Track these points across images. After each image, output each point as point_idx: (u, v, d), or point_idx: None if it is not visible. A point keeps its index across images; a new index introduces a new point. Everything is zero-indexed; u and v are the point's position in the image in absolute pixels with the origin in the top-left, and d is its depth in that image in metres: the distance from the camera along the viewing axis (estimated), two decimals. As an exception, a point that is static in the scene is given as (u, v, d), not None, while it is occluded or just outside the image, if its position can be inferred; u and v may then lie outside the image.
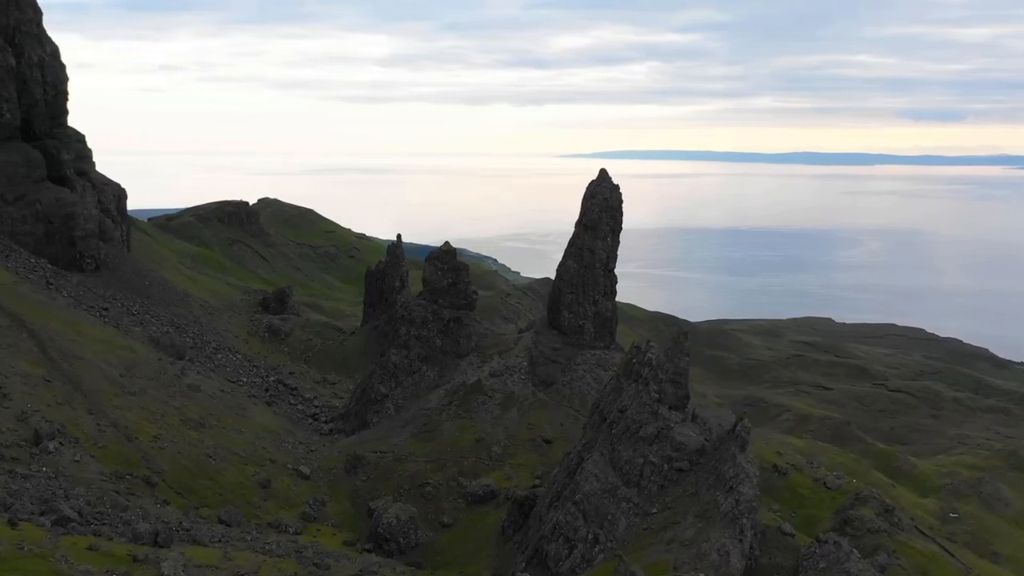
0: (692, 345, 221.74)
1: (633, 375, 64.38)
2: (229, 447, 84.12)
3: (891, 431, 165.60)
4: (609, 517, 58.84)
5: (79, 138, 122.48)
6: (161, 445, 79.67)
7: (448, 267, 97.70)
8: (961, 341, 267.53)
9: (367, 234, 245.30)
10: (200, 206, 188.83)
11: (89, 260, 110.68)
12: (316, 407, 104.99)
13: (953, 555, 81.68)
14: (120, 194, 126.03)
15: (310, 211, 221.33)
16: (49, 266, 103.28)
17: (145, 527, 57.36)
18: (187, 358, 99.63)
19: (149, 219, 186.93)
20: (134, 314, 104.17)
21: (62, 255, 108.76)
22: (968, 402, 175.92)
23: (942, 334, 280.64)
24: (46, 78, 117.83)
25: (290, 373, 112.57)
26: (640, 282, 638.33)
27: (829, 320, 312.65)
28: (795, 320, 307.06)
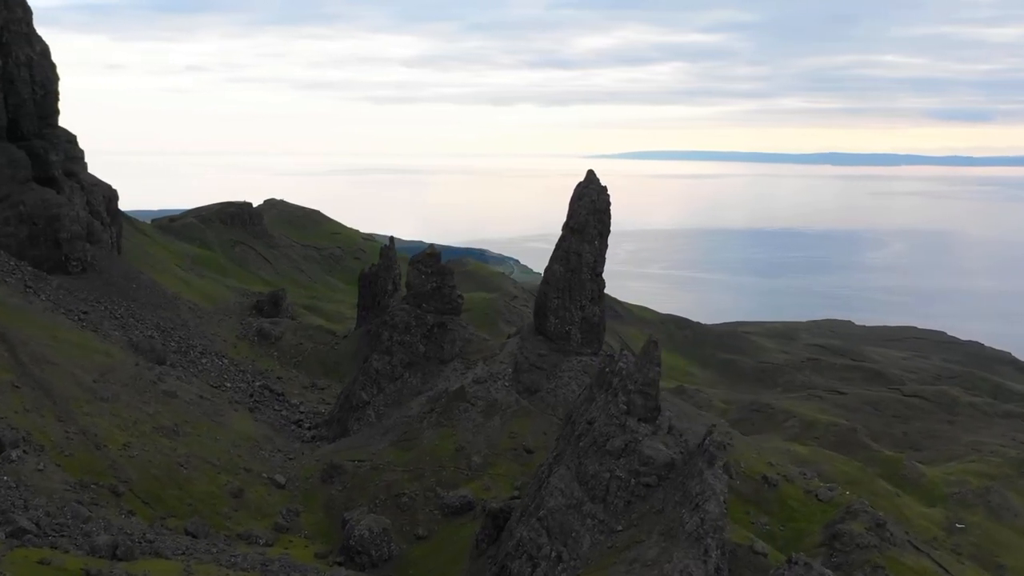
0: (705, 348, 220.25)
1: (604, 385, 61.84)
2: (202, 455, 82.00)
3: (904, 437, 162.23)
4: (573, 534, 56.29)
5: (69, 138, 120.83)
6: (130, 453, 77.65)
7: (432, 271, 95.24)
8: (983, 344, 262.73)
9: (376, 235, 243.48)
10: (203, 207, 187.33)
11: (75, 262, 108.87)
12: (302, 413, 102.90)
13: (948, 570, 78.89)
14: (111, 195, 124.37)
15: (316, 212, 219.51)
16: (30, 269, 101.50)
17: (105, 539, 55.42)
18: (168, 363, 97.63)
19: (153, 220, 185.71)
20: (117, 318, 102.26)
21: (47, 257, 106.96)
22: (985, 407, 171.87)
23: (964, 337, 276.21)
24: (34, 78, 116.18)
25: (278, 378, 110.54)
26: (663, 283, 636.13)
27: (849, 323, 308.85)
28: (814, 322, 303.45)
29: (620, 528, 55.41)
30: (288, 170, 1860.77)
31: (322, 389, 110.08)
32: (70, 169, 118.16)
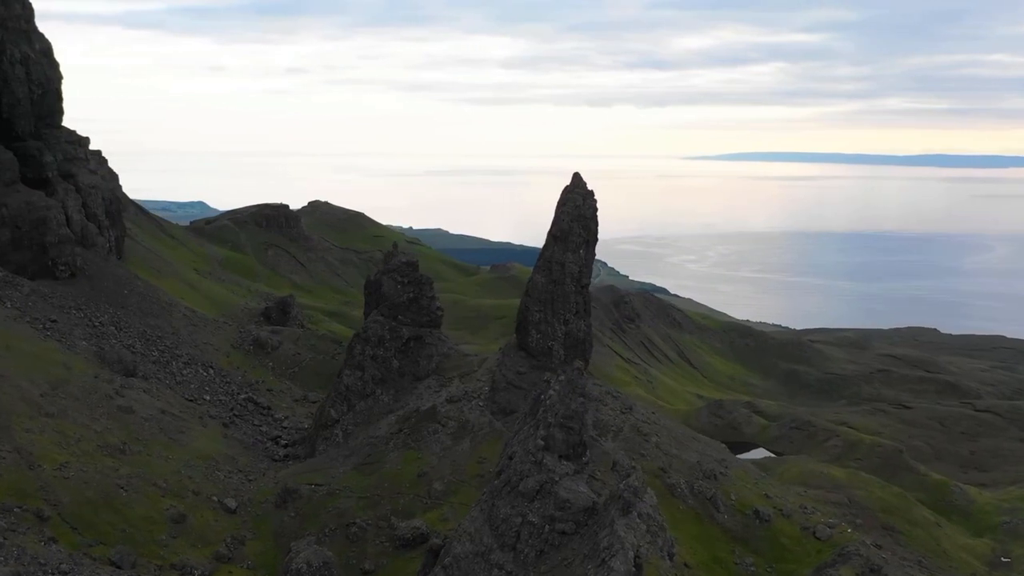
0: (768, 358, 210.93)
1: (533, 414, 54.90)
2: (148, 477, 76.71)
3: (970, 456, 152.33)
4: (477, 587, 49.57)
5: (70, 139, 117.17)
6: (66, 474, 72.64)
7: (409, 281, 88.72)
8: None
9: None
10: (238, 209, 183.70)
11: (63, 267, 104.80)
12: (284, 428, 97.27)
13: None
14: (112, 198, 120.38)
15: (360, 215, 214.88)
16: (0, 273, 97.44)
17: (7, 571, 50.63)
18: (140, 374, 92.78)
19: (192, 223, 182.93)
20: (95, 326, 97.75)
21: (31, 262, 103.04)
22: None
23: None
24: (31, 76, 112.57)
25: (268, 390, 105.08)
26: (753, 287, 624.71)
27: (933, 331, 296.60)
28: (896, 330, 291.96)
29: (527, 582, 48.58)
30: (384, 171, 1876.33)
31: (314, 403, 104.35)
32: (68, 171, 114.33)
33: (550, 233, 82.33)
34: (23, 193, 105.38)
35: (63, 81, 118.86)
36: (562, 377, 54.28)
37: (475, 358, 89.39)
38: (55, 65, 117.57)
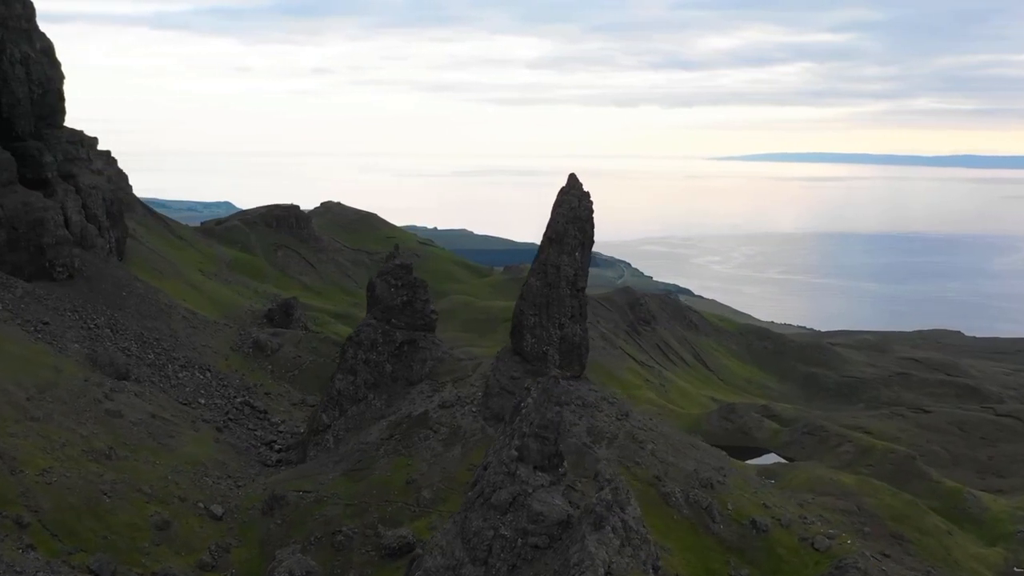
0: (786, 361, 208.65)
1: (511, 423, 53.18)
2: (133, 482, 75.45)
3: (988, 461, 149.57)
4: (448, 603, 47.93)
5: (71, 139, 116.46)
6: (49, 479, 71.46)
7: (402, 283, 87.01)
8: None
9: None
10: (248, 210, 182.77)
11: (61, 269, 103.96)
12: (280, 432, 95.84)
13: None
14: (113, 198, 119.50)
15: (373, 216, 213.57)
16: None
17: None
18: (133, 378, 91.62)
19: (202, 223, 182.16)
20: (90, 328, 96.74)
21: (28, 263, 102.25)
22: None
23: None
24: (32, 76, 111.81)
25: (266, 393, 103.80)
26: (778, 288, 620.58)
27: (957, 333, 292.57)
28: (919, 333, 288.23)
29: (497, 598, 46.89)
30: (410, 172, 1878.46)
31: (311, 406, 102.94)
32: (68, 171, 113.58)
33: (545, 235, 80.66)
34: (20, 194, 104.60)
35: (65, 81, 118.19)
36: (540, 383, 52.62)
37: (469, 362, 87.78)
38: (56, 65, 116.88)
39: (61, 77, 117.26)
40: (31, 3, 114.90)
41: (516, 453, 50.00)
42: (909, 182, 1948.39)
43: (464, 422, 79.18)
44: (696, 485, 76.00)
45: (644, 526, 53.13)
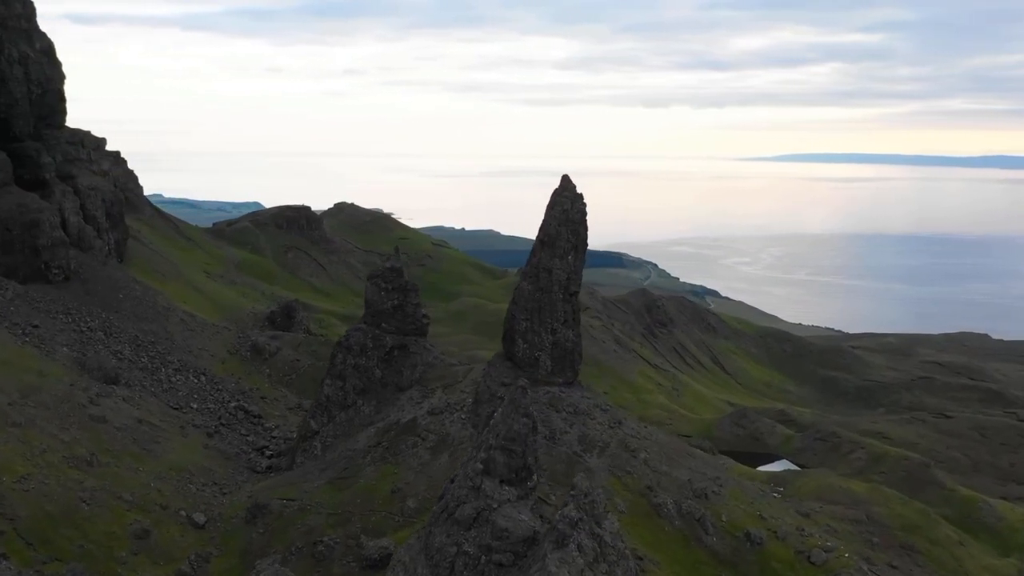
0: (806, 364, 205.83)
1: (481, 434, 51.22)
2: (114, 490, 73.98)
3: (1011, 468, 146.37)
4: (408, 622, 46.00)
5: (72, 139, 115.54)
6: (26, 487, 70.09)
7: (393, 287, 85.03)
8: None
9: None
10: (259, 211, 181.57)
11: (56, 271, 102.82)
12: (273, 438, 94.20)
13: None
14: (113, 199, 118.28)
15: (385, 217, 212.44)
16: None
17: None
18: (123, 382, 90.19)
19: (214, 224, 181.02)
20: (82, 331, 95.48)
21: (23, 265, 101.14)
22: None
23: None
24: (30, 76, 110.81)
25: (262, 398, 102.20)
26: (807, 290, 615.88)
27: (984, 336, 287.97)
28: (945, 336, 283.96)
29: (457, 619, 44.94)
30: (439, 172, 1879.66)
31: (307, 411, 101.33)
32: (67, 172, 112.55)
33: (537, 238, 78.57)
34: (16, 195, 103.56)
35: (66, 80, 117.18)
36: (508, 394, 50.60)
37: (461, 368, 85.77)
38: (57, 65, 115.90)
39: (62, 77, 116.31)
40: (31, 3, 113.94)
41: (481, 466, 48.03)
42: (940, 183, 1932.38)
43: (453, 429, 77.23)
44: (689, 495, 73.73)
45: (623, 541, 51.06)
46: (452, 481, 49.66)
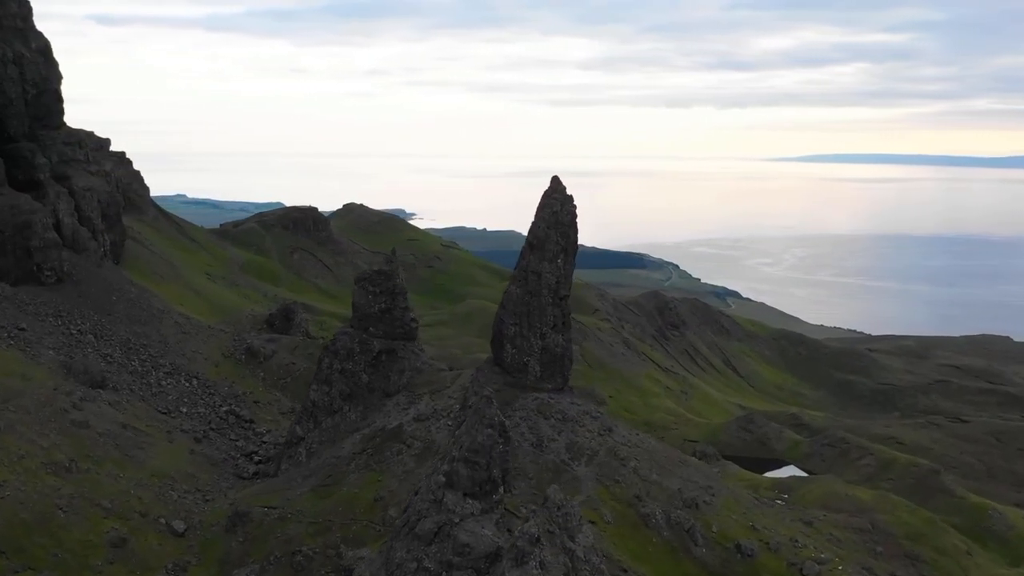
0: (821, 367, 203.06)
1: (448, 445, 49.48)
2: (92, 496, 72.57)
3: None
4: (366, 640, 44.33)
5: (69, 140, 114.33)
6: (1, 493, 68.75)
7: (381, 290, 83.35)
8: None
9: (458, 243, 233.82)
10: (266, 212, 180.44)
11: (49, 273, 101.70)
12: (264, 443, 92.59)
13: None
14: (109, 200, 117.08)
15: (394, 218, 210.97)
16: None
17: None
18: (111, 386, 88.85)
19: (220, 225, 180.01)
20: (71, 334, 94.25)
21: (15, 267, 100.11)
22: None
23: None
24: (25, 76, 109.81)
25: (255, 402, 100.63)
26: (829, 291, 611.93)
27: (1006, 339, 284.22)
28: (967, 338, 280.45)
29: (415, 638, 43.23)
30: (463, 173, 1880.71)
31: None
32: (63, 172, 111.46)
33: (526, 241, 76.74)
34: (8, 196, 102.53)
35: (62, 81, 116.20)
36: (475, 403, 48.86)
37: (450, 374, 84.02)
38: (53, 65, 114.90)
39: (58, 77, 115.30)
40: (27, 2, 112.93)
41: (444, 479, 46.30)
42: (967, 183, 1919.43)
43: (439, 436, 75.47)
44: (679, 505, 71.76)
45: (598, 555, 49.32)
46: (416, 494, 47.95)
